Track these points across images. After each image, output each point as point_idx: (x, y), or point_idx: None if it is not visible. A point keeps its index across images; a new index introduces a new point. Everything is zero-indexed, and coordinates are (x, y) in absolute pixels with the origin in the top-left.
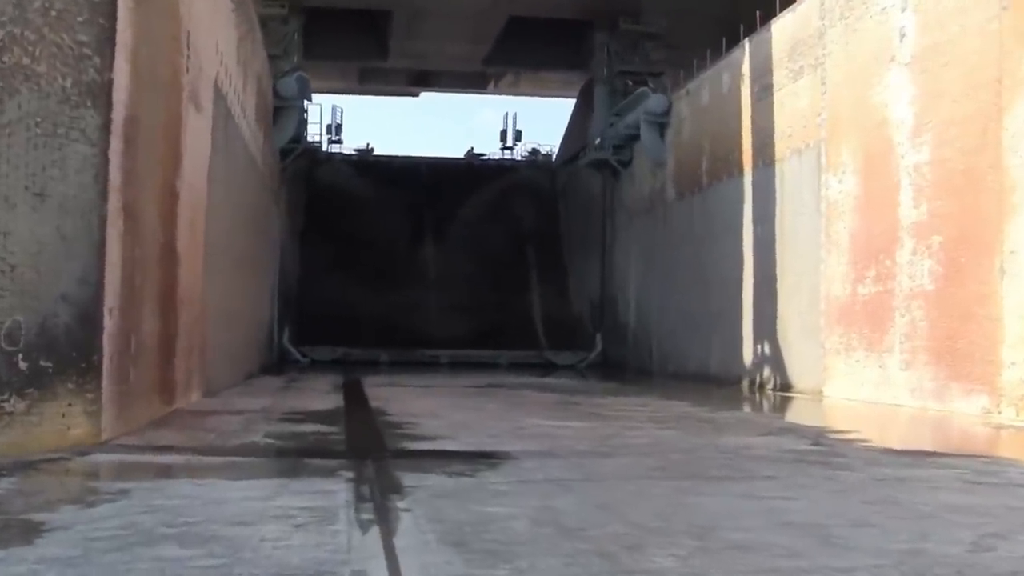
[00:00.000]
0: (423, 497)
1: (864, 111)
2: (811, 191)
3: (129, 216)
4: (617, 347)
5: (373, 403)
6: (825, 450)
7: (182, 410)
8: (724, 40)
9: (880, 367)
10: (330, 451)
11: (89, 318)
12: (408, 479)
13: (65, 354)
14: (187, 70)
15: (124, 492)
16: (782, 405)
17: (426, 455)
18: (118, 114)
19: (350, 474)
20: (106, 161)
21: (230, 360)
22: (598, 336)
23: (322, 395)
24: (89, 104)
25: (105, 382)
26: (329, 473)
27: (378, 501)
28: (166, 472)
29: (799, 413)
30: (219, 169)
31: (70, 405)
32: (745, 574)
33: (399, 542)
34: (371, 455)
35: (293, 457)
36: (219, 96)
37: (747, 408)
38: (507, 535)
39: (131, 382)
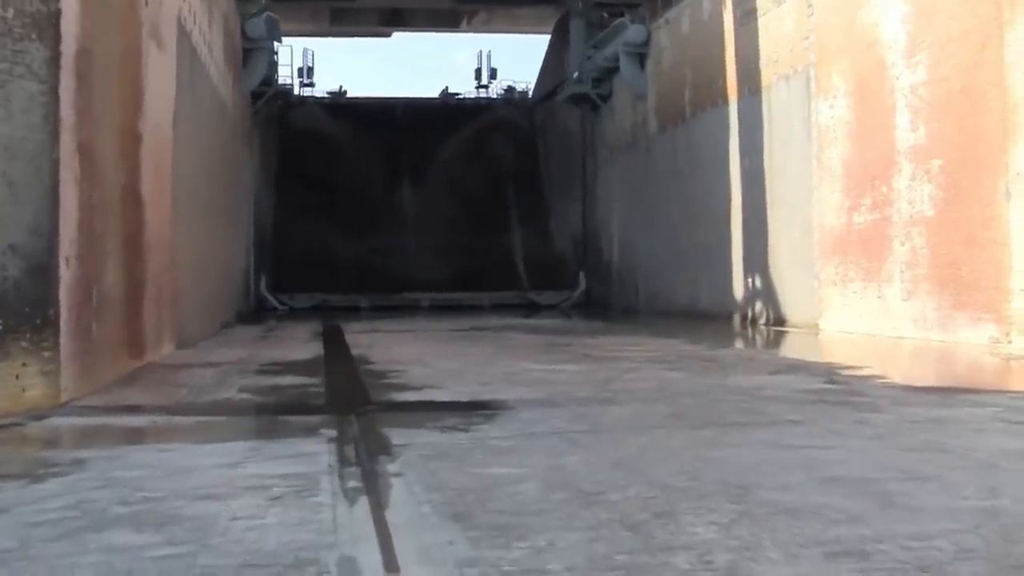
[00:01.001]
0: (415, 458)
1: (854, 32)
2: (800, 118)
3: (85, 158)
4: (601, 286)
5: (355, 351)
6: (843, 389)
7: (153, 364)
8: None
9: (879, 298)
10: (310, 406)
11: (42, 270)
12: (397, 436)
13: (16, 310)
14: (146, 3)
15: (79, 463)
16: (780, 340)
17: (415, 407)
18: (68, 47)
19: (332, 432)
20: (56, 99)
21: (204, 310)
22: (581, 275)
23: (301, 344)
24: (35, 36)
25: (63, 338)
26: (309, 431)
27: (365, 465)
28: (129, 437)
29: (801, 348)
30: (185, 111)
31: (24, 365)
32: (804, 547)
33: (391, 516)
34: (355, 409)
35: (270, 414)
36: (183, 34)
37: (746, 344)
38: (516, 503)
39: (94, 337)
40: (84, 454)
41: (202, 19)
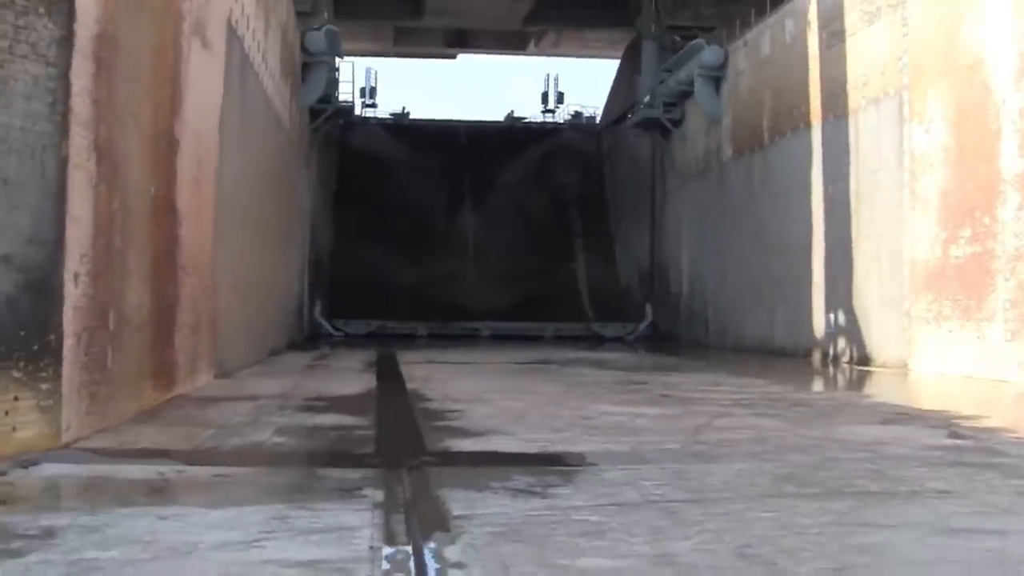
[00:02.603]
0: (481, 538)
1: (954, 52)
2: (891, 144)
3: (104, 159)
4: (668, 318)
5: (409, 384)
6: (976, 446)
7: (184, 397)
8: None
9: (979, 338)
10: (354, 455)
11: (43, 287)
12: (457, 503)
13: (8, 333)
14: None
15: (47, 534)
16: (872, 383)
17: (477, 459)
18: (84, 28)
19: (378, 495)
20: (67, 86)
21: (250, 336)
22: (647, 307)
23: (352, 375)
24: (42, 11)
25: (67, 368)
26: (349, 493)
27: (418, 549)
28: (126, 494)
29: (900, 393)
30: (234, 120)
31: (16, 399)
32: None
33: None
34: (406, 461)
35: (305, 466)
36: (233, 36)
37: (836, 387)
38: None
39: (109, 367)
40: (60, 520)
41: (256, 24)
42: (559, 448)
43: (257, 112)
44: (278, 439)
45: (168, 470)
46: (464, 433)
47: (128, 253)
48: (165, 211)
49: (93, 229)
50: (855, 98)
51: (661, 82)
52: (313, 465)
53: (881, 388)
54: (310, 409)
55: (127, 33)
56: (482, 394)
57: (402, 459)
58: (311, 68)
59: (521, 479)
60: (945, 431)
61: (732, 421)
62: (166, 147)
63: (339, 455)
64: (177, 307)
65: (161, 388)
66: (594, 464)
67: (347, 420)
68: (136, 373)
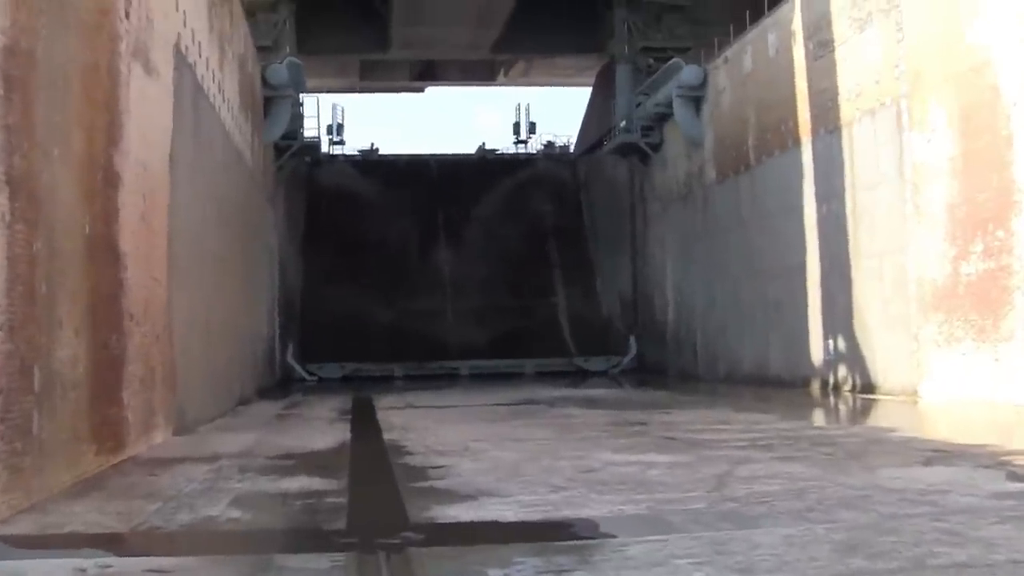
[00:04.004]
0: None
1: (957, 55)
2: (890, 156)
3: (20, 193)
4: (654, 350)
5: (387, 435)
6: None
7: (135, 460)
8: (748, 14)
9: (996, 360)
10: (322, 533)
11: None
12: None
13: None
14: (126, 15)
15: None
16: (887, 413)
17: (470, 533)
18: None
19: None
20: None
21: (214, 385)
22: (632, 338)
23: (325, 425)
24: None
25: None
26: None
27: None
28: None
29: (924, 424)
30: (187, 153)
31: None
32: None
33: None
34: (384, 540)
35: (261, 551)
36: (183, 64)
37: (851, 420)
38: None
39: (36, 433)
40: None
41: (210, 54)
42: (565, 513)
43: (214, 146)
44: (234, 513)
45: (91, 565)
46: (452, 496)
47: (57, 301)
48: (104, 252)
49: (8, 274)
50: (848, 110)
51: (637, 105)
52: (272, 550)
53: (900, 420)
54: (275, 471)
55: (49, 50)
56: (469, 443)
57: (380, 536)
58: (274, 103)
59: (527, 562)
60: (1001, 472)
61: (756, 468)
62: (103, 180)
63: (304, 534)
64: (124, 359)
65: (106, 451)
66: (610, 535)
67: (316, 484)
68: (71, 437)
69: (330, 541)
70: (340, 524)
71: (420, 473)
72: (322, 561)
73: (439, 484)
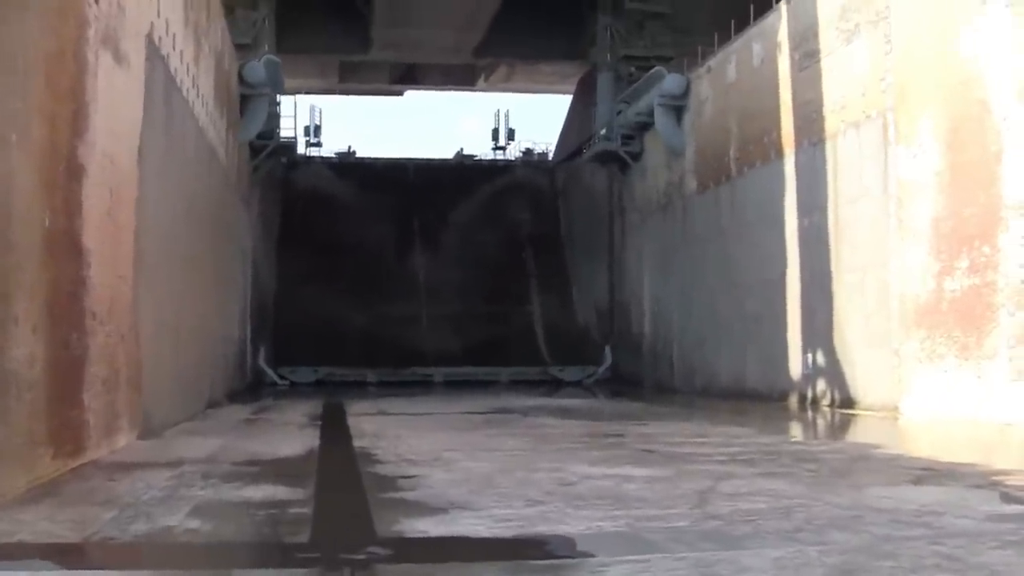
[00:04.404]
0: None
1: (946, 68)
2: (875, 170)
3: None
4: (630, 361)
5: (357, 442)
6: None
7: (95, 464)
8: (732, 23)
9: (979, 377)
10: (282, 548)
11: None
12: None
13: None
14: (95, 1)
15: None
16: (869, 429)
17: (440, 550)
18: None
19: None
20: None
21: (182, 388)
22: (607, 348)
23: (294, 431)
24: None
25: None
26: None
27: None
28: None
29: (908, 441)
30: (157, 148)
31: None
32: None
33: None
34: (350, 556)
35: (218, 566)
36: (156, 55)
37: (834, 435)
38: None
39: None
40: None
41: (185, 47)
42: (540, 529)
43: (187, 142)
44: (193, 523)
45: None
46: (422, 509)
47: (13, 296)
48: (66, 247)
49: None
50: (832, 122)
51: (618, 113)
52: (230, 564)
53: (883, 436)
54: (239, 477)
55: (4, 32)
56: (441, 453)
57: (344, 551)
58: (250, 101)
59: None
60: (994, 492)
61: (739, 485)
62: (66, 172)
63: (264, 548)
64: (85, 359)
65: (65, 455)
66: (589, 554)
67: (281, 493)
68: (27, 440)
69: (291, 556)
70: (303, 537)
71: (390, 483)
72: None
73: (409, 495)
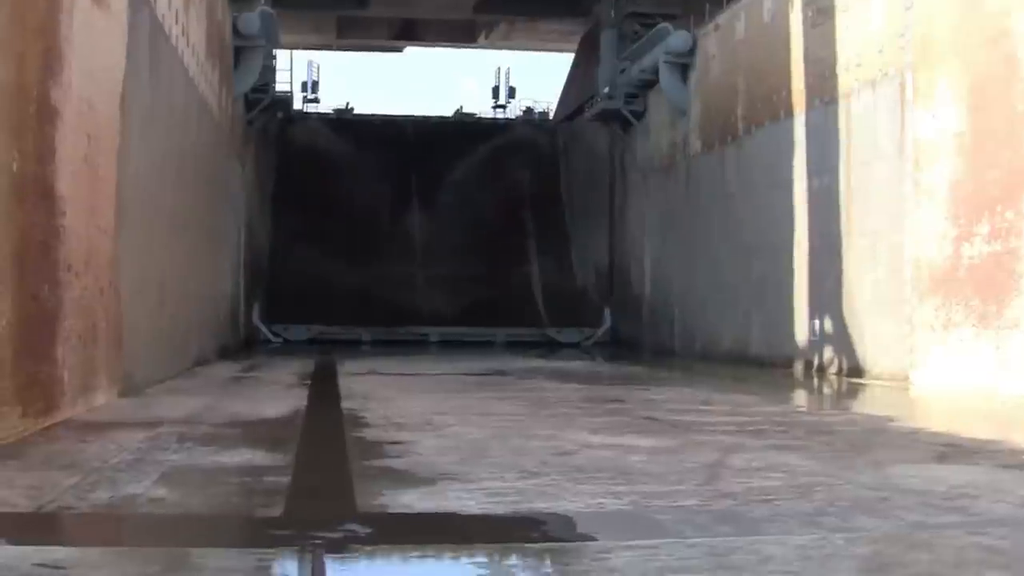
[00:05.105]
0: None
1: (971, 25)
2: (890, 131)
3: None
4: (629, 323)
5: (346, 404)
6: None
7: (69, 423)
8: None
9: (997, 348)
10: (252, 523)
11: None
12: None
13: None
14: None
15: None
16: (880, 399)
17: (425, 528)
18: None
19: None
20: None
21: (168, 345)
22: (606, 310)
23: (281, 391)
24: None
25: None
26: None
27: None
28: None
29: (924, 414)
30: (142, 97)
31: None
32: None
33: None
34: (323, 531)
35: (178, 543)
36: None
37: (846, 406)
38: None
39: None
40: None
41: None
42: (537, 505)
43: (175, 92)
44: (159, 492)
45: None
46: (408, 480)
47: None
48: (36, 194)
49: None
50: (846, 81)
51: (622, 71)
52: (191, 541)
53: (896, 408)
54: (217, 440)
55: None
56: (432, 417)
57: (319, 528)
58: (245, 53)
59: (487, 561)
60: None
61: (751, 458)
62: (37, 114)
63: (231, 523)
64: (59, 313)
65: (34, 414)
66: (590, 537)
67: (258, 458)
68: None
69: (260, 533)
70: (277, 510)
71: (376, 450)
72: (246, 559)
73: (396, 463)
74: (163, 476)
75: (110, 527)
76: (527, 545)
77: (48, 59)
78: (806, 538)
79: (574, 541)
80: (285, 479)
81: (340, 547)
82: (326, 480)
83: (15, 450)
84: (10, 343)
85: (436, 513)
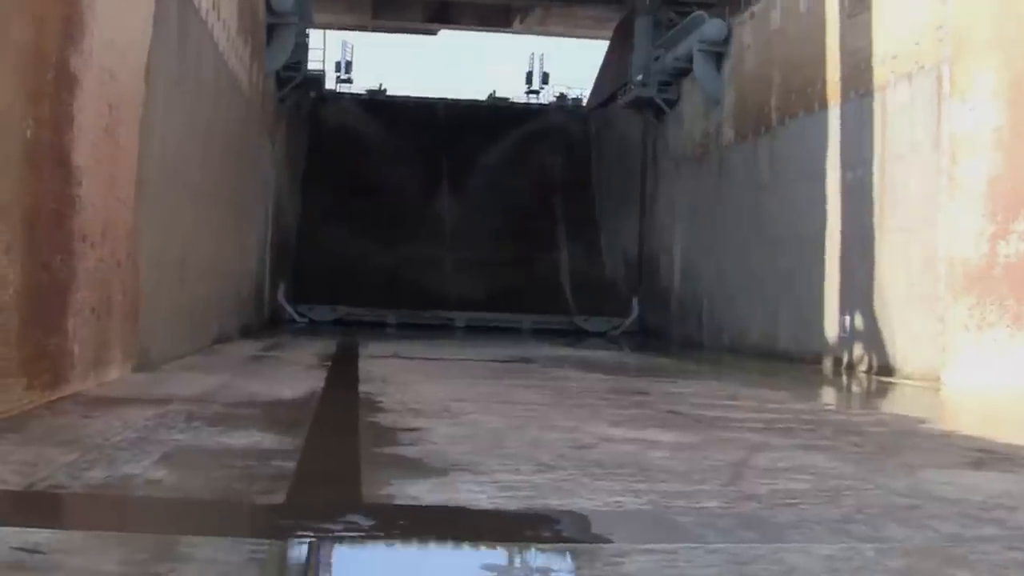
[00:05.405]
0: None
1: (1013, 16)
2: (926, 125)
3: None
4: (656, 314)
5: (363, 387)
6: None
7: (78, 397)
8: None
9: None
10: (250, 511)
11: None
12: None
13: None
14: None
15: None
16: (910, 399)
17: (430, 520)
18: None
19: None
20: None
21: (188, 321)
22: (634, 300)
23: (300, 371)
24: None
25: None
26: None
27: None
28: None
29: (956, 415)
30: (169, 69)
31: None
32: None
33: None
34: (324, 522)
35: (168, 530)
36: None
37: (875, 405)
38: None
39: None
40: None
41: None
42: (551, 501)
43: (203, 67)
44: (157, 473)
45: None
46: (419, 469)
47: None
48: (51, 162)
49: None
50: (882, 73)
51: (656, 59)
52: (182, 528)
53: (927, 409)
54: (227, 420)
55: None
56: (450, 404)
57: (320, 519)
58: (277, 30)
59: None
60: None
61: (776, 458)
62: (55, 81)
63: (229, 508)
64: (71, 284)
65: (40, 387)
66: (605, 539)
67: (267, 441)
68: None
69: (256, 522)
70: (278, 497)
71: (389, 436)
72: (238, 549)
73: (408, 451)
74: (164, 456)
75: (99, 509)
76: (537, 545)
77: (68, 25)
78: (834, 547)
79: (588, 542)
80: (291, 464)
81: (339, 541)
82: (334, 467)
83: (17, 423)
84: (17, 312)
85: (444, 507)
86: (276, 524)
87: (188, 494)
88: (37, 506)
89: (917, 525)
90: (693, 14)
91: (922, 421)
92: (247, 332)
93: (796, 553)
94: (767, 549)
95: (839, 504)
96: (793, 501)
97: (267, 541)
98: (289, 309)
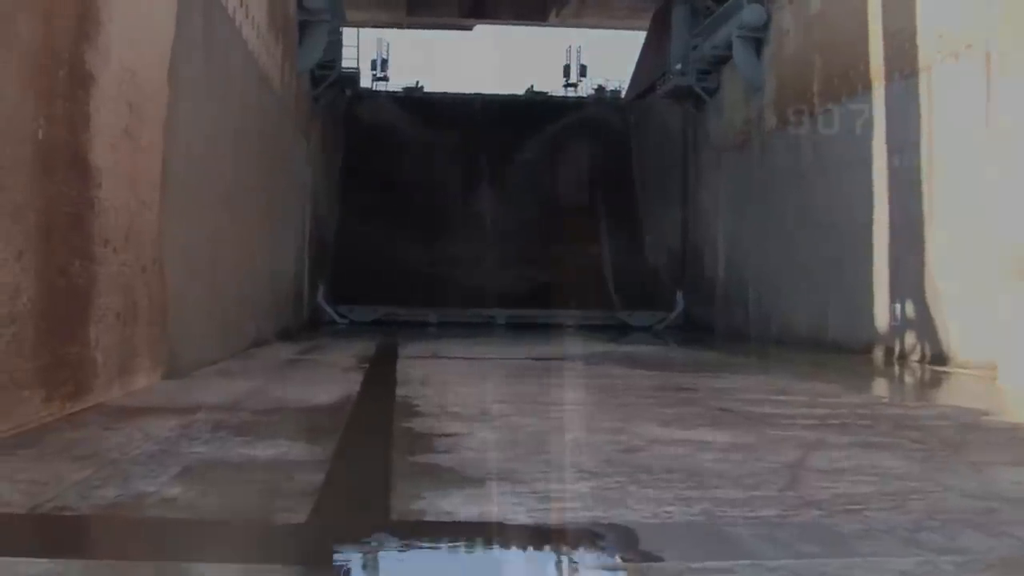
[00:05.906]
0: None
1: None
2: (976, 105)
3: None
4: (701, 306)
5: (400, 390)
6: None
7: (101, 407)
8: None
9: None
10: (269, 531)
11: None
12: None
13: None
14: None
15: None
16: (967, 390)
17: (463, 537)
18: None
19: None
20: None
21: (221, 325)
22: (679, 293)
23: (337, 374)
24: None
25: None
26: None
27: None
28: None
29: (1016, 406)
30: (195, 68)
31: None
32: None
33: None
34: (348, 543)
35: (176, 555)
36: None
37: (932, 397)
38: None
39: None
40: None
41: None
42: (596, 514)
43: (232, 65)
44: (173, 490)
45: None
46: (453, 480)
47: None
48: (66, 163)
49: None
50: (927, 53)
51: (694, 48)
52: (190, 553)
53: (987, 400)
54: (255, 429)
55: None
56: (489, 406)
57: (345, 539)
58: (309, 28)
59: None
60: None
61: (835, 457)
62: (68, 79)
63: (245, 530)
64: (92, 290)
65: (61, 398)
66: (655, 557)
67: (295, 452)
68: (6, 381)
69: (274, 546)
70: (301, 516)
71: (424, 443)
72: None
73: (442, 460)
74: (184, 471)
75: (104, 533)
76: (579, 566)
77: (82, 22)
78: (908, 561)
79: (635, 561)
80: (319, 476)
81: (360, 567)
82: (363, 479)
83: (34, 438)
84: (32, 321)
85: (478, 523)
86: (295, 547)
87: (203, 514)
88: (39, 530)
89: (994, 532)
90: (731, 0)
91: (984, 413)
92: (286, 335)
93: (866, 569)
94: (834, 565)
95: (907, 509)
96: (857, 507)
97: (281, 567)
98: (329, 310)
